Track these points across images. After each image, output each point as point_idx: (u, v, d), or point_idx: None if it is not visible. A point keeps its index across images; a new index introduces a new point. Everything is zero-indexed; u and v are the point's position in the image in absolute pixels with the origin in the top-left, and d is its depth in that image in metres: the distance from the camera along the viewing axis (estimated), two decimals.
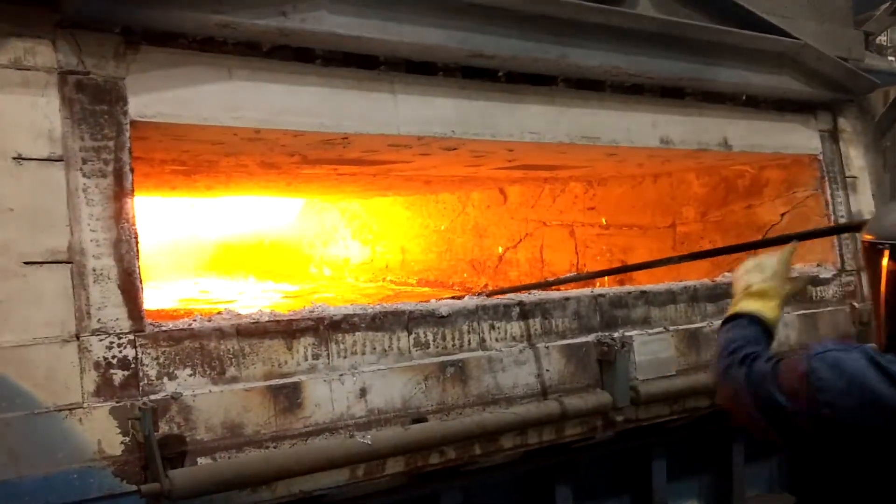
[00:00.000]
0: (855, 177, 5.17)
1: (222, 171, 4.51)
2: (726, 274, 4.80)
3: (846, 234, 5.00)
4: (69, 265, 2.63)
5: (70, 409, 2.56)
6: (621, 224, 6.28)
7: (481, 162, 4.51)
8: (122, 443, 2.62)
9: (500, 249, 7.37)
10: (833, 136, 5.10)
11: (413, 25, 3.25)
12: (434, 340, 3.34)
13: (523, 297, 3.70)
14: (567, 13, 3.61)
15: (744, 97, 4.65)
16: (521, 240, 7.18)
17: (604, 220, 6.41)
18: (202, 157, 3.90)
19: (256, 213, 9.15)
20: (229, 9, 2.85)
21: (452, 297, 3.75)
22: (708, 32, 4.08)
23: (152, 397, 2.69)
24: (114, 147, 2.74)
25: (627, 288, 4.06)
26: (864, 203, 5.18)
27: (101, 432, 2.60)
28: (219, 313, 3.07)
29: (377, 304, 3.39)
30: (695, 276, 5.52)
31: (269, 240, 9.76)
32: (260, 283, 8.55)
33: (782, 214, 5.24)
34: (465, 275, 7.72)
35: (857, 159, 5.21)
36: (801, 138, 4.97)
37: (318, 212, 9.29)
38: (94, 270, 2.66)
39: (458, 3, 3.33)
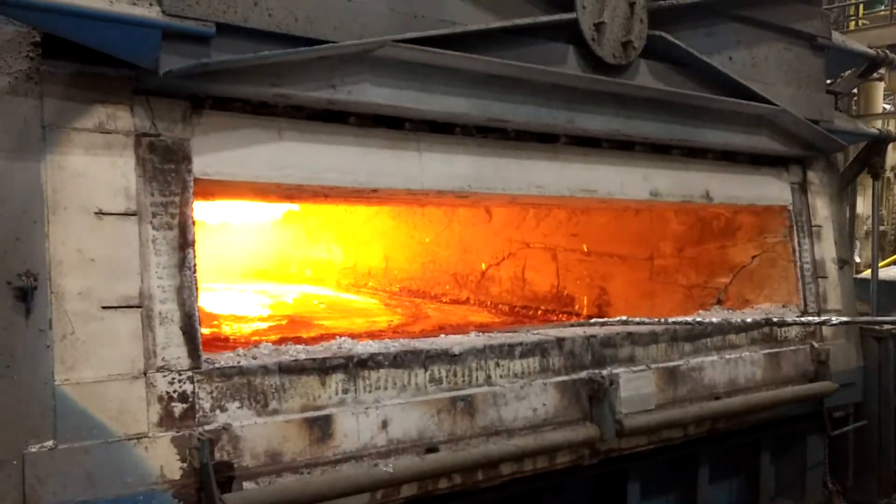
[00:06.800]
0: (820, 226, 5.63)
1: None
2: (701, 312, 5.25)
3: (810, 280, 5.47)
4: (139, 309, 2.96)
5: (138, 438, 2.89)
6: (602, 252, 6.68)
7: (484, 204, 4.89)
8: (180, 468, 2.96)
9: (484, 265, 7.72)
10: (802, 187, 5.56)
11: (442, 95, 3.62)
12: (447, 377, 3.72)
13: (524, 336, 4.09)
14: (576, 83, 4.01)
15: (724, 153, 5.09)
16: (504, 258, 7.54)
17: (585, 247, 6.80)
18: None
19: (242, 212, 9.39)
20: (286, 82, 3.20)
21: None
22: (698, 99, 4.51)
23: (206, 427, 3.03)
24: (179, 202, 3.08)
25: (616, 329, 4.45)
26: (826, 250, 5.65)
27: (163, 459, 2.94)
28: (256, 346, 3.42)
29: (395, 339, 3.74)
30: (669, 306, 6.00)
31: (254, 239, 10.03)
32: (242, 283, 8.80)
33: (753, 257, 5.69)
34: (448, 287, 8.05)
35: (822, 209, 5.68)
36: (774, 190, 5.42)
37: (303, 215, 9.55)
38: (160, 314, 3.00)
39: (480, 76, 3.71)
